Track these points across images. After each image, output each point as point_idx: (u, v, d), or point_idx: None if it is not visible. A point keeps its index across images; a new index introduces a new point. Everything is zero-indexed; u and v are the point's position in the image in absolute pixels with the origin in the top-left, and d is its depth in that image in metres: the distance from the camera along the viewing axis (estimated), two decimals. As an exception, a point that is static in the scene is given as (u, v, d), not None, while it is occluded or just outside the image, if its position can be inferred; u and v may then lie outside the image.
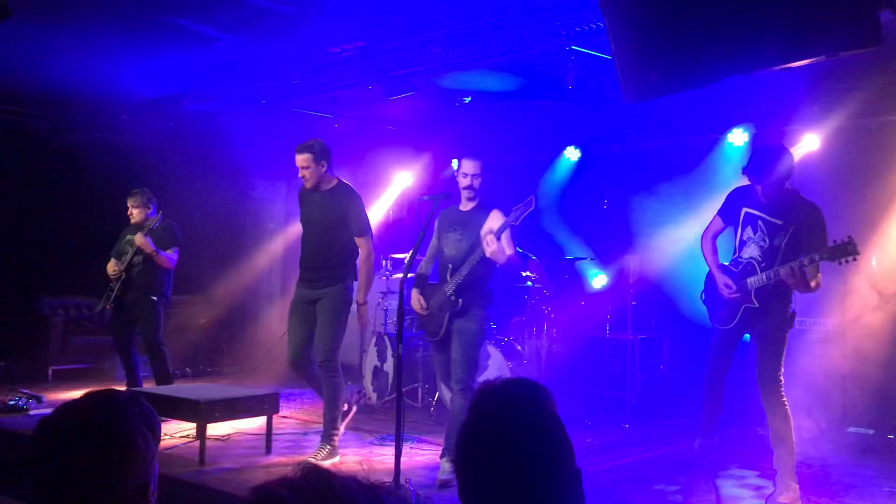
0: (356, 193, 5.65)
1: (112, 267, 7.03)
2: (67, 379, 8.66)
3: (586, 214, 8.57)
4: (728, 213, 4.95)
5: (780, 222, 4.64)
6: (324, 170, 5.52)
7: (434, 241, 5.55)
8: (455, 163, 9.42)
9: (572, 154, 8.86)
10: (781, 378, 4.71)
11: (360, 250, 5.61)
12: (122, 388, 6.98)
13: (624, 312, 7.34)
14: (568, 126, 8.64)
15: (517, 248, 6.95)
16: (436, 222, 5.49)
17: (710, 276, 5.01)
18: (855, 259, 4.35)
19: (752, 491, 4.97)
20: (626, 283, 7.37)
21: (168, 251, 6.92)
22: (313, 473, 1.21)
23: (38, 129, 9.33)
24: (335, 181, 5.63)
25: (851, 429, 6.20)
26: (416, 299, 5.44)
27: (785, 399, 4.71)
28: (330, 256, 5.55)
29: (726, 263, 4.95)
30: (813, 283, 4.55)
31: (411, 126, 9.05)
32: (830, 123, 6.83)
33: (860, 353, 6.17)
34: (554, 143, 8.92)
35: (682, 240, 7.10)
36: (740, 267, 4.81)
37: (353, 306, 5.65)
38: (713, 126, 7.71)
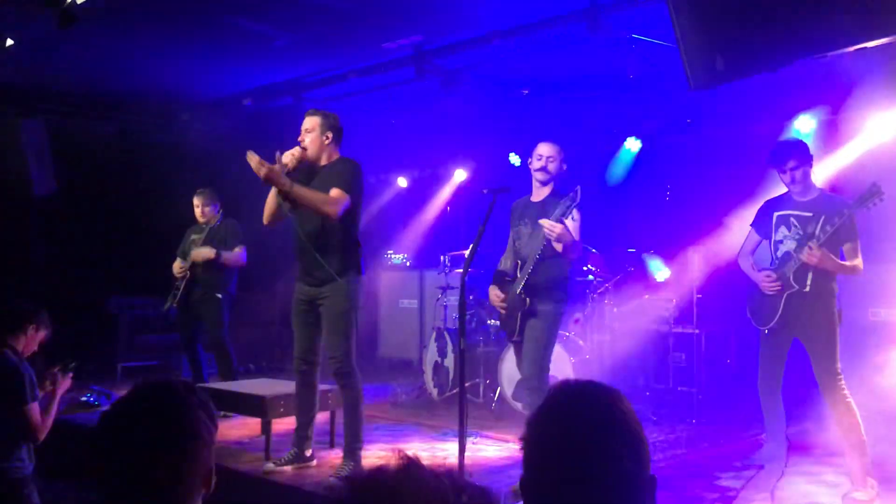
0: (353, 161, 4.99)
1: (178, 266, 7.16)
2: (136, 376, 8.87)
3: (649, 206, 8.41)
4: (761, 225, 5.04)
5: (809, 214, 4.72)
6: (327, 142, 4.96)
7: (511, 236, 5.32)
8: (513, 156, 9.37)
9: (633, 145, 8.72)
10: (840, 373, 4.60)
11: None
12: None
13: (689, 306, 7.18)
14: (629, 117, 8.50)
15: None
16: (510, 216, 5.32)
17: (751, 285, 5.01)
18: (882, 199, 4.42)
19: (828, 488, 4.81)
20: (691, 275, 7.21)
21: (236, 249, 7.04)
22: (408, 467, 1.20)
23: (103, 131, 9.56)
24: (336, 157, 5.03)
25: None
26: (493, 295, 5.20)
27: (847, 393, 4.59)
28: (327, 245, 4.83)
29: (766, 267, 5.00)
30: (849, 264, 4.62)
31: (468, 120, 9.01)
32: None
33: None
34: (615, 135, 8.79)
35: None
36: (778, 262, 4.85)
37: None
38: (778, 113, 7.48)
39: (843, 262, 4.61)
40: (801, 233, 4.73)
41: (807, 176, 4.77)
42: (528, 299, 4.93)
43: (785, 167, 4.76)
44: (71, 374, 4.32)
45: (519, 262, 5.08)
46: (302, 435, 5.18)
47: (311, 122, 5.02)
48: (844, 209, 4.50)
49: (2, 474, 3.90)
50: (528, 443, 1.53)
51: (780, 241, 4.85)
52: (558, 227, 4.62)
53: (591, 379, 1.62)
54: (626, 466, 1.46)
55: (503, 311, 5.17)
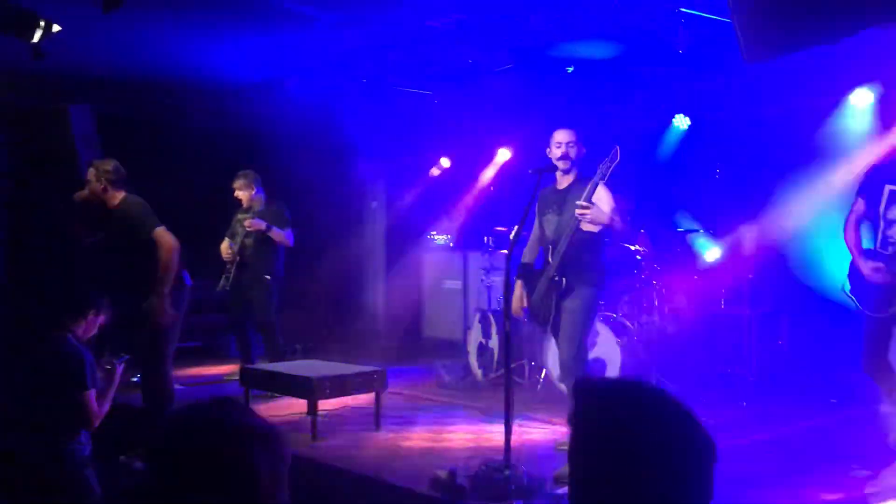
0: (137, 201, 5.84)
1: (225, 247, 7.23)
2: (184, 357, 8.97)
3: (698, 185, 8.23)
4: (870, 193, 4.48)
5: None
6: (103, 188, 5.68)
7: (536, 226, 5.30)
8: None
9: (682, 122, 8.52)
10: None
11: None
12: (236, 365, 7.18)
13: (740, 286, 7.03)
14: (677, 93, 8.30)
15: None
16: (536, 206, 5.23)
17: (853, 265, 4.55)
18: None
19: None
20: (742, 255, 7.05)
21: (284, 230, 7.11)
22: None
23: (146, 117, 9.62)
24: (122, 196, 5.78)
25: None
26: (517, 296, 5.15)
27: None
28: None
29: (870, 248, 4.49)
30: None
31: (512, 99, 8.89)
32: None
33: None
34: (663, 112, 8.59)
35: (801, 209, 6.74)
36: (890, 248, 4.34)
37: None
38: (833, 87, 7.22)
39: None
40: None
41: None
42: (563, 280, 4.86)
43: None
44: (124, 366, 4.40)
45: (550, 246, 5.01)
46: None
47: (91, 174, 5.70)
48: None
49: (64, 457, 3.96)
50: (582, 439, 1.43)
51: (893, 221, 4.34)
52: (588, 209, 4.60)
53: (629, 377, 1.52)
54: (688, 484, 1.36)
55: (524, 308, 5.16)
